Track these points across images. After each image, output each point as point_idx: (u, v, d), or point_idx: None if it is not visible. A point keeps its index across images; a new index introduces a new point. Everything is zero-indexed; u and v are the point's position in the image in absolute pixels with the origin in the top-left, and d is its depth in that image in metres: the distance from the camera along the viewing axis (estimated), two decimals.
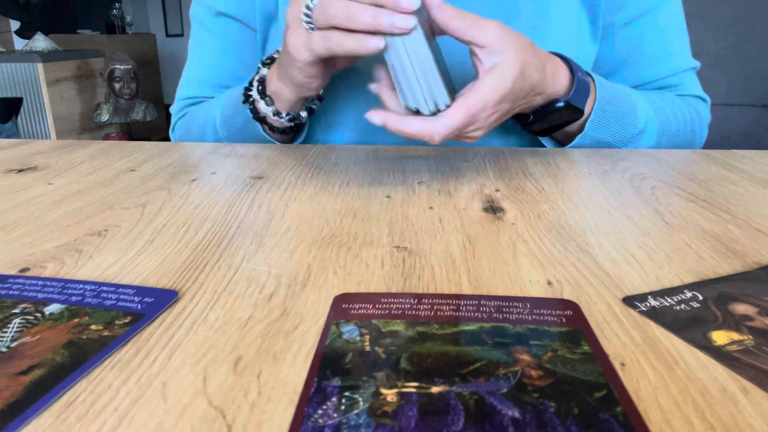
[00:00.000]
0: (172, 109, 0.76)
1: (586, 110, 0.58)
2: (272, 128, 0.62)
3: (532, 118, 0.58)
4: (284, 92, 0.57)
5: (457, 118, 0.44)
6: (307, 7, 0.46)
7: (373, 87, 0.48)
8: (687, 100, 0.69)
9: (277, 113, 0.59)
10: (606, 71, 0.68)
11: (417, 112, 0.45)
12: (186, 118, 0.74)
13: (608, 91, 0.59)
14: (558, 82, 0.54)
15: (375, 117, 0.45)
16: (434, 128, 0.44)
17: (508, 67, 0.45)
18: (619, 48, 0.67)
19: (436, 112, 0.45)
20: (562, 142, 0.64)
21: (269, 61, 0.59)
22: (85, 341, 0.24)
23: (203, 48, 0.73)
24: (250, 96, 0.59)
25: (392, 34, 0.42)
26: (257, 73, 0.59)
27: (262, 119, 0.61)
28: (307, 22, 0.46)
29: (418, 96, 0.44)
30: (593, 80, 0.58)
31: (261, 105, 0.59)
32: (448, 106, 0.45)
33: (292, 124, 0.61)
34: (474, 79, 0.46)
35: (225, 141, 0.66)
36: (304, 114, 0.60)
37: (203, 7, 0.71)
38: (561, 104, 0.55)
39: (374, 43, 0.43)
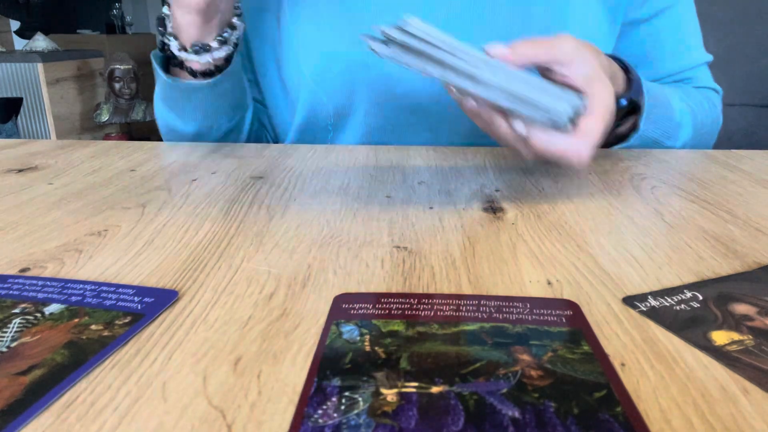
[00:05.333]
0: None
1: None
2: (193, 73, 0.60)
3: None
4: (176, 17, 0.55)
5: (598, 131, 0.41)
6: None
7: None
8: (702, 91, 0.69)
9: (182, 48, 0.57)
10: None
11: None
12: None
13: (649, 85, 0.58)
14: (617, 82, 0.52)
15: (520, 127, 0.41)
16: (581, 147, 0.41)
17: (599, 72, 0.43)
18: (639, 44, 0.67)
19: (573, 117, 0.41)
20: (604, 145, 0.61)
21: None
22: (85, 341, 0.24)
23: None
24: (163, 41, 0.58)
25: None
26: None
27: (180, 64, 0.59)
28: None
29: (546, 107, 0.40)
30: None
31: (172, 45, 0.57)
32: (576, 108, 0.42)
33: (211, 67, 0.59)
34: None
35: (175, 119, 0.65)
36: (214, 44, 0.57)
37: None
38: (625, 102, 0.54)
39: None
